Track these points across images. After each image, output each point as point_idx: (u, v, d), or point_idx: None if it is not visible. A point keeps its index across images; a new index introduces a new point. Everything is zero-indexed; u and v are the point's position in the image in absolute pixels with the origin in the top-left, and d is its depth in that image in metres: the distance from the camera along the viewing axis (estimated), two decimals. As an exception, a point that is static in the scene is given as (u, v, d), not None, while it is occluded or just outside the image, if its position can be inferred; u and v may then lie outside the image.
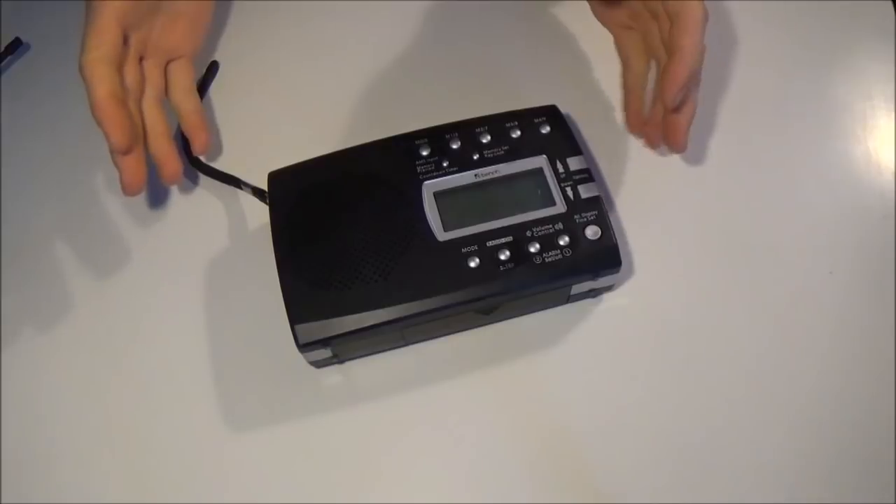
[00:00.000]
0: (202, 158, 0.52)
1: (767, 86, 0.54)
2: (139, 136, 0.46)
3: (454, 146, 0.46)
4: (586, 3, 0.55)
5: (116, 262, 0.50)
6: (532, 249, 0.43)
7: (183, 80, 0.50)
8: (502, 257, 0.42)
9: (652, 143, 0.49)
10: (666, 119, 0.46)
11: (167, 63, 0.50)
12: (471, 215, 0.44)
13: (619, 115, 0.53)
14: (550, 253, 0.43)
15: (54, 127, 0.54)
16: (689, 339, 0.46)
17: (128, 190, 0.45)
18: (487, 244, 0.43)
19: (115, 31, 0.44)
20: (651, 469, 0.43)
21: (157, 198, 0.52)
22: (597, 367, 0.46)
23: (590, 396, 0.45)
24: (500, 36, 0.57)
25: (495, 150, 0.46)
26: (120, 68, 0.45)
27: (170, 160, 0.47)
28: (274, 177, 0.46)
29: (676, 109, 0.45)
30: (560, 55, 0.56)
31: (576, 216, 0.44)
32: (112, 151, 0.44)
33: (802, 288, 0.47)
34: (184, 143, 0.52)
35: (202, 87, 0.55)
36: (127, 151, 0.44)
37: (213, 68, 0.56)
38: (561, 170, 0.45)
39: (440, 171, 0.45)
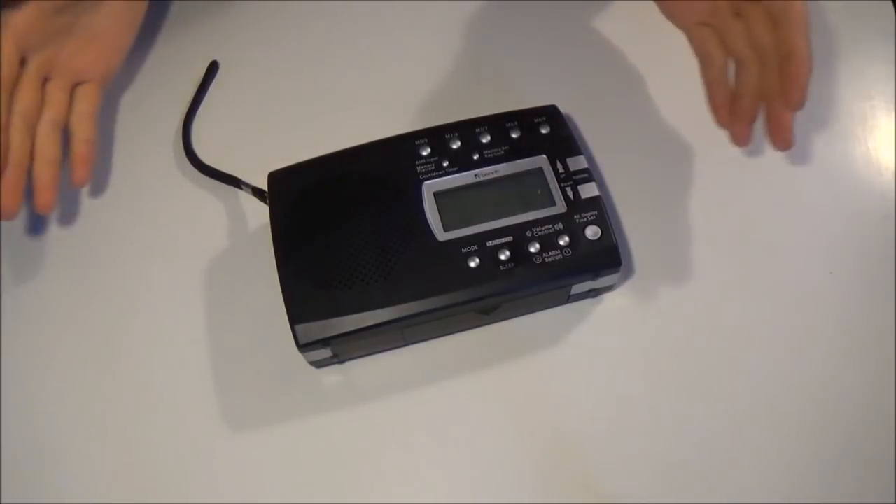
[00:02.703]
0: (203, 159, 0.52)
1: (767, 86, 0.54)
2: (15, 161, 0.44)
3: (454, 146, 0.46)
4: (587, 3, 0.55)
5: (116, 262, 0.50)
6: (532, 249, 0.43)
7: (86, 105, 0.49)
8: (502, 257, 0.42)
9: (740, 140, 0.47)
10: (774, 116, 0.44)
11: (75, 85, 0.49)
12: (471, 215, 0.44)
13: (619, 115, 0.53)
14: (550, 253, 0.43)
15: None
16: (689, 339, 0.46)
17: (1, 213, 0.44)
18: (487, 244, 0.43)
19: (11, 52, 0.44)
20: (651, 469, 0.43)
21: (157, 198, 0.52)
22: (597, 367, 0.46)
23: (590, 396, 0.45)
24: (500, 36, 0.57)
25: (495, 150, 0.46)
26: (9, 89, 0.44)
27: (46, 190, 0.46)
28: (274, 177, 0.46)
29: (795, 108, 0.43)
30: (560, 55, 0.56)
31: (576, 216, 0.44)
32: None
33: (802, 288, 0.47)
34: (186, 145, 0.52)
35: (202, 87, 0.55)
36: None
37: (213, 68, 0.56)
38: (561, 170, 0.45)
39: (440, 171, 0.45)
